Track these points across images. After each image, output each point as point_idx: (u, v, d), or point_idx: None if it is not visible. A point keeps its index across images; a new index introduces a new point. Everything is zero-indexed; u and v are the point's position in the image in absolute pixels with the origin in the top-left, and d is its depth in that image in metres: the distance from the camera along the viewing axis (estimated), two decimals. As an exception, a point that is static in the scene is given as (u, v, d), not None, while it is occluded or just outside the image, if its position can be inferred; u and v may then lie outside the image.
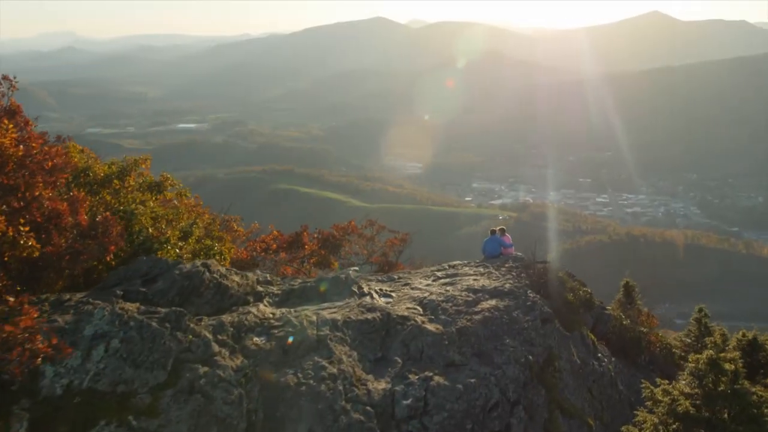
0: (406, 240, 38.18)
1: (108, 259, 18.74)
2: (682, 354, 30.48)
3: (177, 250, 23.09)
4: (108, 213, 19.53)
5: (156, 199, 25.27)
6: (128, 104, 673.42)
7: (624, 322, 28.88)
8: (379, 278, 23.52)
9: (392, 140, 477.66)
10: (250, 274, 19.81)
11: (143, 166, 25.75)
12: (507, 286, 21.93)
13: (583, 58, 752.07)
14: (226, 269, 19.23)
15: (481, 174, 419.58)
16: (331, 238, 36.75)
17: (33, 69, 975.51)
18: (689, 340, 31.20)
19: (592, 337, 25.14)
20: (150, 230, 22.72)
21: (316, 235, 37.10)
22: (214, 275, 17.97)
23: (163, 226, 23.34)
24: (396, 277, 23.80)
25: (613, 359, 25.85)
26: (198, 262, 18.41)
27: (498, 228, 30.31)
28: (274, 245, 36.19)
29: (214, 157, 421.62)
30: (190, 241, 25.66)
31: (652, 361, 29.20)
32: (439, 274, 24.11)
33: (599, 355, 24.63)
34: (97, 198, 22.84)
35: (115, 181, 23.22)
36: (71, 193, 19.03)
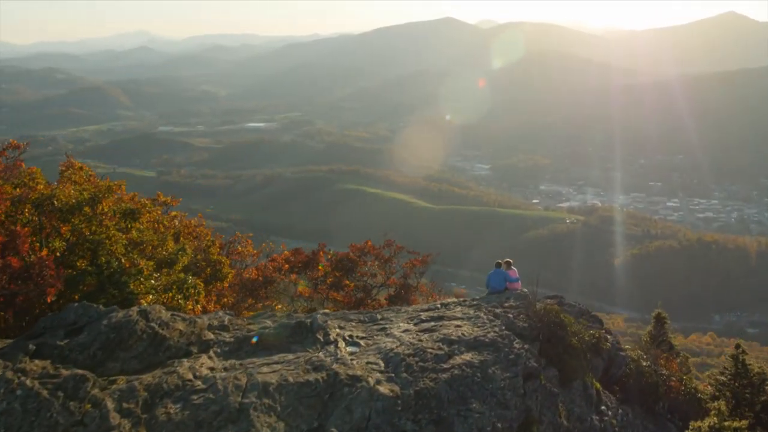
0: (427, 262, 36.21)
1: (48, 300, 17.31)
2: (716, 394, 28.10)
3: (152, 281, 21.67)
4: (44, 252, 18.08)
5: (131, 227, 23.80)
6: (199, 103, 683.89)
7: (643, 364, 26.38)
8: (361, 318, 21.50)
9: (460, 141, 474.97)
10: (200, 320, 17.93)
11: (118, 191, 24.36)
12: (490, 335, 19.61)
13: (656, 59, 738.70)
14: (172, 314, 17.40)
15: (549, 176, 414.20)
16: (345, 259, 35.07)
17: (108, 68, 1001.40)
18: (724, 379, 28.75)
19: (597, 385, 22.76)
20: (123, 260, 21.33)
21: (330, 256, 35.47)
22: (152, 323, 16.13)
23: (136, 256, 21.90)
24: (379, 317, 21.70)
25: (620, 410, 23.37)
26: (135, 309, 16.61)
27: (504, 261, 28.03)
28: (286, 266, 34.74)
29: (282, 156, 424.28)
30: (176, 267, 24.26)
31: (673, 408, 26.63)
32: (423, 315, 21.91)
33: (602, 407, 22.24)
34: (68, 226, 21.58)
35: (86, 208, 21.78)
36: (13, 228, 17.76)
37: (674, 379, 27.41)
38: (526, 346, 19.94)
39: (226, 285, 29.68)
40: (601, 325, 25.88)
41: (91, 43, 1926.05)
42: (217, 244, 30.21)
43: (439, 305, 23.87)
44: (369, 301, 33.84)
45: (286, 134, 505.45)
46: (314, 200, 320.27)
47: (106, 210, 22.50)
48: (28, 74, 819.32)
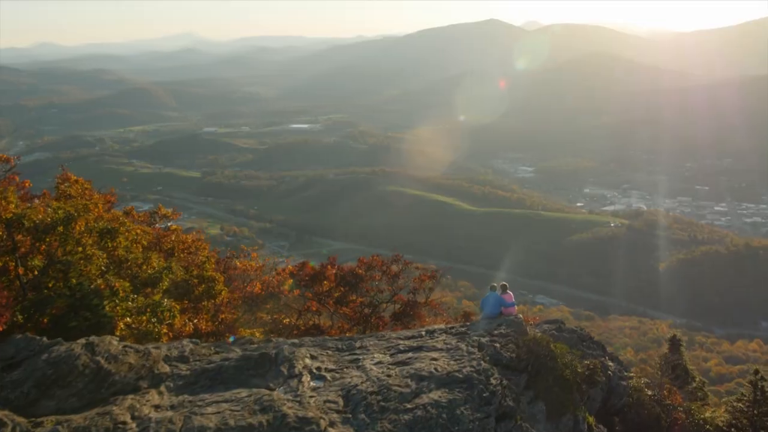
0: (435, 277, 34.95)
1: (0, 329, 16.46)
2: (733, 422, 26.58)
3: (129, 303, 20.84)
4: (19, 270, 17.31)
5: (110, 246, 22.93)
6: (244, 104, 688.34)
7: (647, 393, 24.69)
8: (339, 346, 20.23)
9: (504, 143, 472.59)
10: (157, 350, 16.88)
11: (95, 211, 23.52)
12: (466, 369, 18.17)
13: (705, 61, 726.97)
14: (124, 347, 16.40)
15: (594, 179, 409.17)
16: (349, 274, 33.99)
17: (155, 69, 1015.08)
18: (742, 406, 27.24)
19: (590, 419, 21.11)
20: (99, 281, 20.51)
21: (335, 271, 34.38)
22: (97, 357, 15.13)
23: (111, 277, 21.03)
24: (357, 345, 20.43)
25: (615, 446, 21.88)
26: (80, 342, 15.62)
27: (499, 284, 26.33)
28: (290, 280, 33.80)
29: (325, 158, 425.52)
30: (162, 286, 23.46)
31: (677, 442, 24.99)
32: (403, 345, 20.57)
33: (594, 444, 20.82)
34: (43, 246, 20.84)
35: (60, 227, 20.96)
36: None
37: (680, 410, 25.75)
38: (504, 382, 18.39)
39: (225, 300, 28.82)
40: (604, 352, 24.39)
41: (139, 45, 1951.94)
42: (212, 261, 29.30)
43: (423, 332, 22.52)
44: (374, 318, 32.78)
45: (329, 136, 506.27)
46: (357, 202, 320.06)
47: (82, 229, 21.70)
48: (77, 75, 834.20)
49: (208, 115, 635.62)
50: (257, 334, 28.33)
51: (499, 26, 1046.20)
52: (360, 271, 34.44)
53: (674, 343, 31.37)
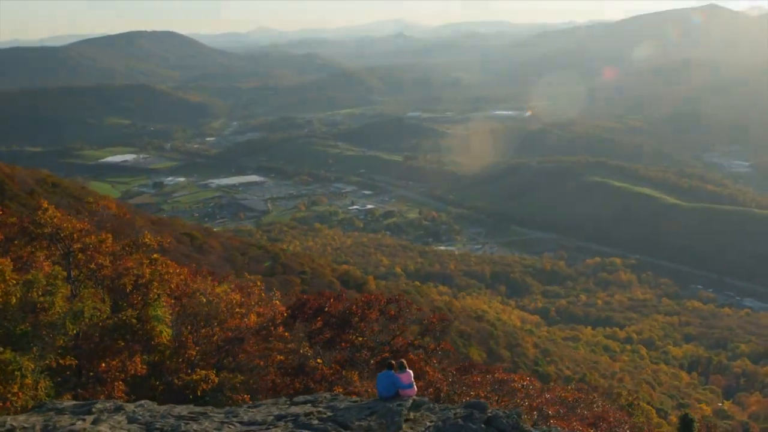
0: (446, 320, 33.13)
1: None
2: None
3: None
4: None
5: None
6: (449, 89, 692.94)
7: None
8: (166, 426, 17.00)
9: (718, 135, 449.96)
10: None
11: None
12: None
13: None
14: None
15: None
16: (338, 314, 33.19)
17: (364, 54, 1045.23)
18: None
19: None
20: None
21: (327, 309, 33.46)
22: None
23: None
24: (182, 428, 16.87)
25: None
26: None
27: (396, 362, 20.80)
28: (280, 317, 33.01)
29: (529, 145, 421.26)
30: (64, 332, 22.16)
31: None
32: None
33: None
34: None
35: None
36: None
37: None
38: None
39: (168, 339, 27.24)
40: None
41: (350, 31, 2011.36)
42: (164, 299, 27.67)
43: (273, 416, 18.55)
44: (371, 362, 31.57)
45: (533, 123, 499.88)
46: (558, 191, 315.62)
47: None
48: (290, 59, 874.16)
49: (413, 100, 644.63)
50: (211, 375, 26.50)
51: (720, 11, 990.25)
52: (357, 310, 33.16)
53: (685, 423, 28.37)
